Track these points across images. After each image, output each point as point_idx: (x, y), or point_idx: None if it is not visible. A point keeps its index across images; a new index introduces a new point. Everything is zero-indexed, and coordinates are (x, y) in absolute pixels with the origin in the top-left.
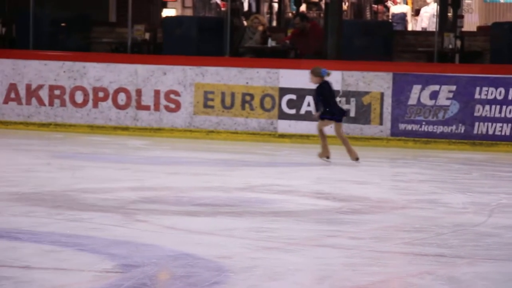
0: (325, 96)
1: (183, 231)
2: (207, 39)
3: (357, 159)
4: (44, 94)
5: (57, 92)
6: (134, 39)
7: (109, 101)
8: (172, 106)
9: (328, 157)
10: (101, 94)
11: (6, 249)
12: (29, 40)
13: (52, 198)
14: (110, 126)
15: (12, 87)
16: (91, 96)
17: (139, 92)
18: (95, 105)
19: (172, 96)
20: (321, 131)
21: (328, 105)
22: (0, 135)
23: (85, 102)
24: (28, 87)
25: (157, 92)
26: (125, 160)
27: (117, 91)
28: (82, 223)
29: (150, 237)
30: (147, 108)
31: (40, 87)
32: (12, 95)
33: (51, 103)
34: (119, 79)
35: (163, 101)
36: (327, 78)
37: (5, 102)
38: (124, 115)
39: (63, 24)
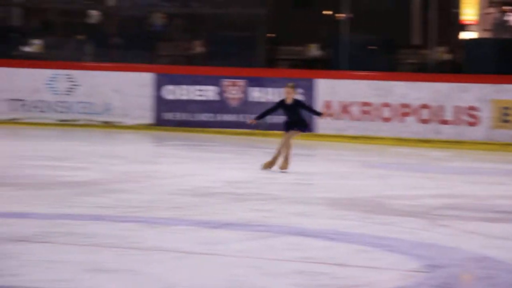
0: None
1: (483, 236)
2: (505, 59)
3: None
4: (355, 110)
5: (366, 108)
6: (436, 60)
7: (414, 116)
8: (472, 120)
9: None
10: (406, 110)
11: (323, 248)
12: (340, 62)
13: (364, 203)
14: (414, 139)
15: (327, 104)
16: (397, 112)
17: (440, 108)
18: (401, 119)
19: (471, 111)
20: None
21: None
22: (316, 147)
23: (391, 117)
24: (341, 104)
25: (457, 108)
26: (427, 169)
27: (421, 107)
28: (390, 227)
29: (452, 241)
30: (448, 122)
31: (351, 104)
32: (327, 111)
33: (361, 118)
34: (422, 96)
35: (463, 116)
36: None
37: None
38: (427, 128)
39: (371, 47)
